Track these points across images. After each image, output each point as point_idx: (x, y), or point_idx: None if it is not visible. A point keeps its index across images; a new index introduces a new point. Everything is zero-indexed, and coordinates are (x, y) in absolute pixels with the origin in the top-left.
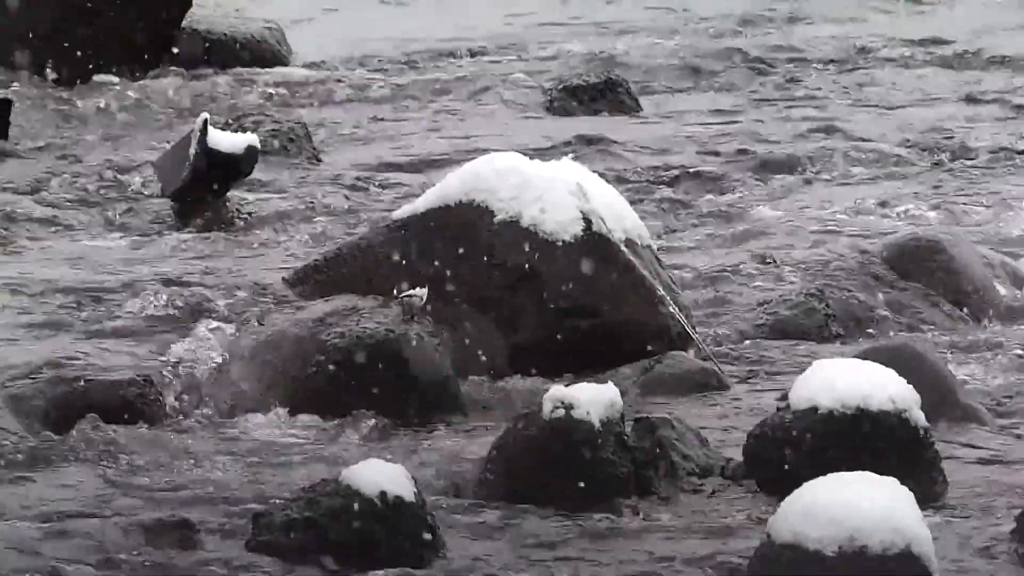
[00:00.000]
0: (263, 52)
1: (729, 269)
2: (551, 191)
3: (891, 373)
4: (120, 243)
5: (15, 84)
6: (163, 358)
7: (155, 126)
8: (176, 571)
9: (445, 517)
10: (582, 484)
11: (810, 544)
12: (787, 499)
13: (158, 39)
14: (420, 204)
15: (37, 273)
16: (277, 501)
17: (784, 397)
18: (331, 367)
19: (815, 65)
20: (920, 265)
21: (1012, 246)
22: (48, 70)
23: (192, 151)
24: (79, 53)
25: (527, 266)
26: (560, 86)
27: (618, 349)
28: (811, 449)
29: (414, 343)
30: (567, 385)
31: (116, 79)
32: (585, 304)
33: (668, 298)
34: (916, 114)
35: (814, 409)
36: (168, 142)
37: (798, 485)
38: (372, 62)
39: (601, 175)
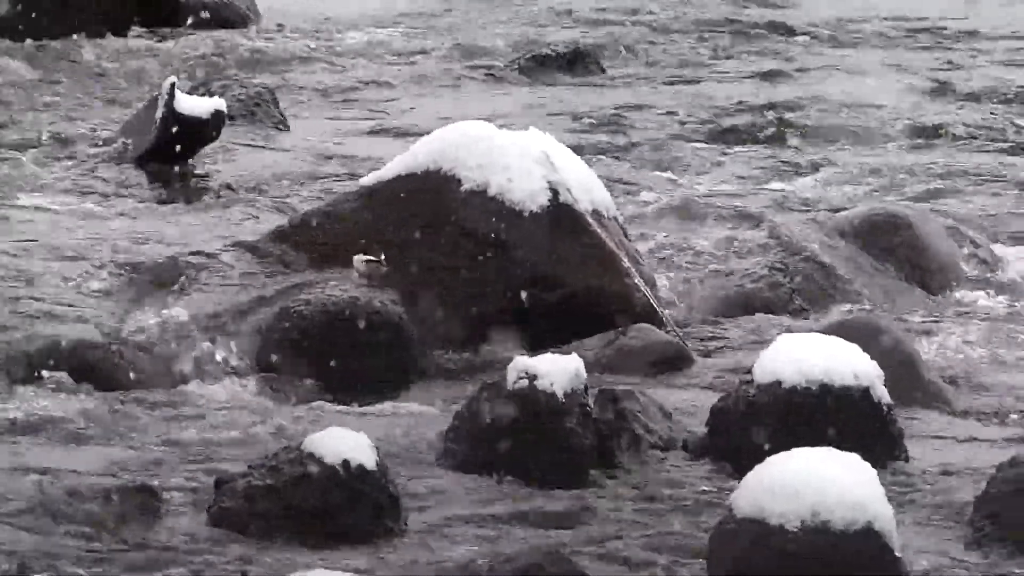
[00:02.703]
0: (231, 15)
1: (694, 241)
2: (518, 160)
3: (855, 348)
4: (84, 206)
5: None
6: (125, 323)
7: (121, 89)
8: (138, 537)
9: (407, 486)
10: (545, 454)
11: (772, 519)
12: (750, 473)
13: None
14: (387, 171)
15: None
16: (239, 468)
17: (748, 371)
18: (295, 334)
19: (785, 36)
20: (885, 240)
21: (979, 222)
22: (16, 28)
23: (159, 115)
24: (47, 13)
25: (493, 235)
26: (528, 55)
27: (583, 320)
28: (774, 423)
29: (378, 311)
30: (531, 355)
31: (83, 40)
32: (551, 275)
33: (633, 270)
34: (888, 89)
35: (778, 383)
36: (134, 105)
37: (761, 459)
38: (340, 28)
39: (568, 145)
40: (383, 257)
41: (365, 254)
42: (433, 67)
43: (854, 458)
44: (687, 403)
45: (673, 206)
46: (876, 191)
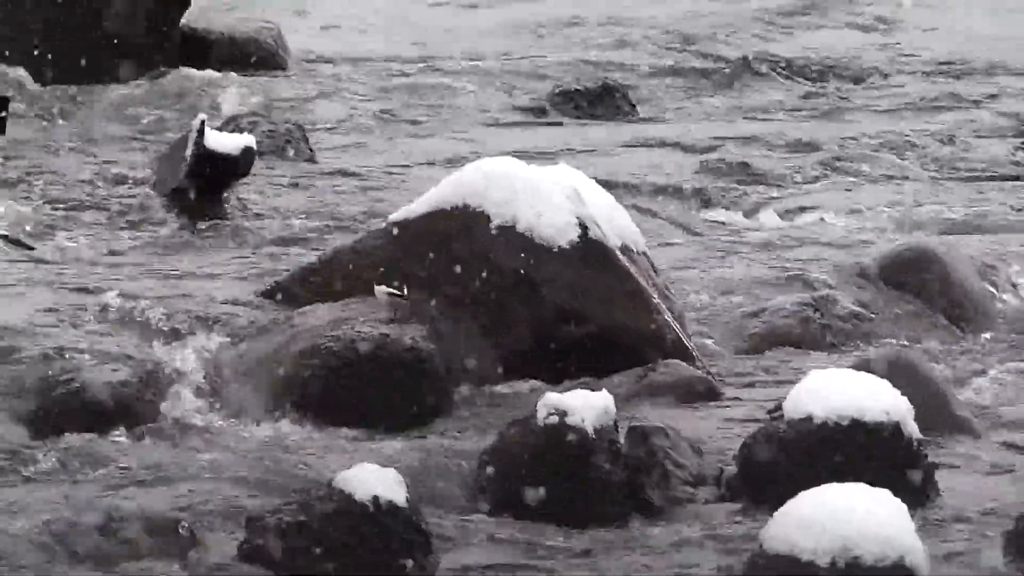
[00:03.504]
0: (261, 52)
1: (724, 277)
2: (547, 196)
3: (885, 384)
4: (115, 244)
5: (12, 83)
6: (158, 360)
7: (152, 126)
8: (169, 574)
9: (437, 522)
10: (575, 491)
11: (803, 555)
12: (780, 509)
13: (156, 38)
14: (416, 207)
15: (31, 273)
16: (270, 505)
17: (778, 407)
18: (325, 371)
19: (812, 72)
20: (914, 275)
21: (1007, 256)
22: (45, 69)
23: (189, 151)
24: (76, 52)
25: (522, 271)
26: (557, 91)
27: (612, 356)
28: (805, 459)
29: (408, 347)
30: (561, 391)
31: (113, 79)
32: (580, 310)
33: (663, 305)
34: (913, 124)
35: (808, 419)
36: (165, 142)
37: (791, 495)
38: (369, 64)
39: (597, 180)
40: (405, 290)
41: (388, 286)
42: (462, 103)
43: (884, 493)
44: (717, 439)
45: (702, 241)
46: (906, 226)
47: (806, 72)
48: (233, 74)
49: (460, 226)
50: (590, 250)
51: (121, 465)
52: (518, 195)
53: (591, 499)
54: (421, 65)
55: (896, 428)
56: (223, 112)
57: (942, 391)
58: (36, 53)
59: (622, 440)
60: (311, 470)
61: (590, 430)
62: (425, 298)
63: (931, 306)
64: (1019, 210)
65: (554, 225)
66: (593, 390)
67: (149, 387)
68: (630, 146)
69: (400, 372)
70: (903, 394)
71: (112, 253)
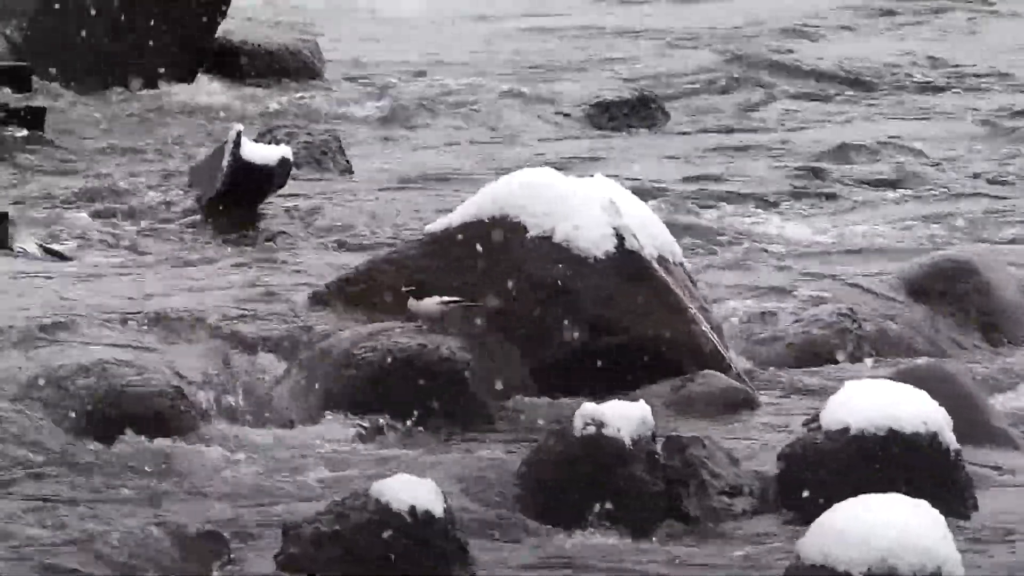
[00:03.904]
0: (297, 63)
1: (761, 288)
2: (584, 207)
3: (923, 395)
4: (152, 254)
5: (49, 94)
6: (193, 370)
7: (188, 137)
8: None
9: (474, 533)
10: (612, 501)
11: (840, 565)
12: (817, 520)
13: (192, 50)
14: (453, 218)
15: (67, 282)
16: (307, 514)
17: (815, 417)
18: (362, 381)
19: (847, 82)
20: (952, 286)
21: None
22: (81, 79)
23: (225, 163)
24: (113, 64)
25: (559, 282)
26: (593, 102)
27: (649, 367)
28: (842, 470)
29: (446, 357)
30: (598, 402)
31: (150, 90)
32: (617, 321)
33: (700, 316)
34: (955, 134)
35: (845, 430)
36: (201, 153)
37: (828, 506)
38: (406, 74)
39: (633, 191)
40: (435, 299)
41: (440, 295)
42: (499, 114)
43: (922, 504)
44: (754, 449)
45: (739, 251)
46: (945, 237)
47: (848, 82)
48: (269, 84)
49: (497, 237)
50: (627, 261)
51: (159, 473)
52: (555, 206)
53: (628, 509)
54: (458, 75)
55: (934, 438)
56: (259, 123)
57: (980, 402)
58: (72, 63)
59: (659, 450)
60: (348, 479)
61: (627, 440)
62: (462, 308)
63: (969, 317)
64: None
65: (591, 236)
66: (630, 400)
67: (186, 396)
68: (666, 156)
69: (437, 382)
70: (941, 405)
71: (148, 263)
